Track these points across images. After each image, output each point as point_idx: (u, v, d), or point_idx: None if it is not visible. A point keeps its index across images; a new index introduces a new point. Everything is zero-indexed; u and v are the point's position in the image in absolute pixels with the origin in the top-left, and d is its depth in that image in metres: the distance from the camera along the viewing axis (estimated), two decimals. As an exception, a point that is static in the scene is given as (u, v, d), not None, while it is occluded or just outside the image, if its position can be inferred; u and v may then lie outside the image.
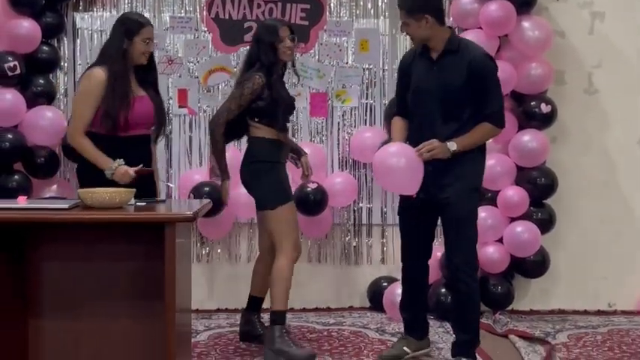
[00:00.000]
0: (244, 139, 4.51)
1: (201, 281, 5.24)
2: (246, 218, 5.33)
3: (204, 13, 5.32)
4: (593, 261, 5.42)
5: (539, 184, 5.16)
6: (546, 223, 5.19)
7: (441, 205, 3.93)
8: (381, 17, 5.39)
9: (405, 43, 5.35)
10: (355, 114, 5.41)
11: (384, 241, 5.45)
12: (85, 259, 3.62)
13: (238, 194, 5.09)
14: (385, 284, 5.28)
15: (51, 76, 5.21)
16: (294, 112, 4.62)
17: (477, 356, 4.10)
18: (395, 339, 4.65)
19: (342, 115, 5.41)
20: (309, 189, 4.98)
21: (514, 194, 5.11)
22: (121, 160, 3.81)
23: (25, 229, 3.58)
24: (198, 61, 5.34)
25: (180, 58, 5.30)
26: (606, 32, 5.39)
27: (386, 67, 5.40)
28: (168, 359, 3.30)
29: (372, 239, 5.46)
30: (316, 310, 5.35)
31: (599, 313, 5.38)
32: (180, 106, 5.30)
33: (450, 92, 3.87)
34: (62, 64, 5.27)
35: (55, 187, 5.11)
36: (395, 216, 5.04)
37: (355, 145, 5.31)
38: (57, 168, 5.15)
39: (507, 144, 5.18)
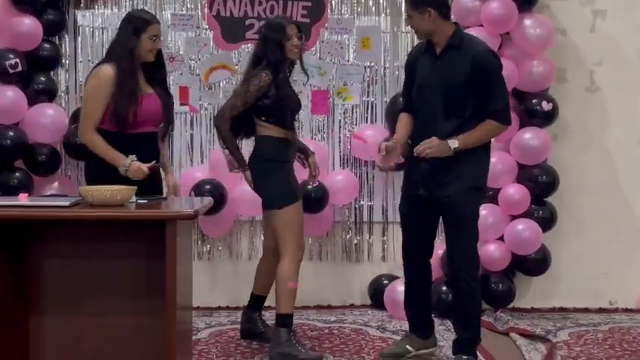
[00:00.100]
0: (245, 140, 4.50)
1: (202, 279, 5.24)
2: (247, 216, 5.33)
3: (206, 10, 5.32)
4: (594, 259, 5.42)
5: (540, 182, 5.17)
6: (547, 221, 5.19)
7: (442, 204, 3.92)
8: (383, 15, 5.39)
9: (406, 41, 5.35)
10: (356, 112, 5.41)
11: (385, 238, 5.45)
12: (86, 257, 3.62)
13: (239, 192, 5.10)
14: (386, 282, 5.28)
15: (52, 73, 5.21)
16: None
17: (478, 354, 4.10)
18: (396, 337, 4.66)
19: (344, 113, 5.41)
20: (309, 187, 4.97)
21: (515, 192, 5.11)
22: (134, 156, 3.81)
23: (26, 227, 3.58)
24: (199, 59, 5.33)
25: (181, 55, 5.30)
26: (608, 30, 5.38)
27: (387, 65, 5.39)
28: (169, 357, 3.30)
29: (373, 237, 5.46)
30: (317, 307, 5.35)
31: (600, 310, 5.38)
32: (181, 104, 5.29)
33: (452, 88, 3.85)
34: (63, 61, 5.27)
35: (56, 184, 5.11)
36: (396, 213, 5.04)
37: (356, 142, 5.30)
38: (58, 165, 5.15)
39: (509, 142, 5.18)
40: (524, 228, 5.08)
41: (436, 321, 4.26)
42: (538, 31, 5.09)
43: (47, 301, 3.63)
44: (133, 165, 3.80)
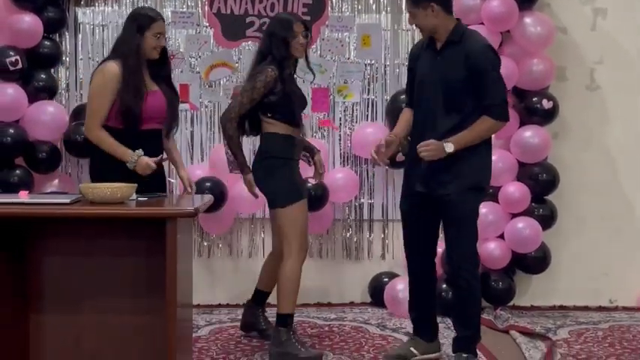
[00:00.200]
0: (245, 138, 4.48)
1: (203, 276, 5.24)
2: (247, 213, 5.33)
3: (206, 8, 5.32)
4: (594, 257, 5.42)
5: (540, 180, 5.17)
6: (547, 219, 5.20)
7: (441, 203, 3.90)
8: (383, 12, 5.39)
9: (407, 39, 5.35)
10: (357, 109, 5.41)
11: (385, 236, 5.45)
12: (86, 255, 3.62)
13: (239, 189, 5.10)
14: (386, 280, 5.28)
15: (52, 70, 5.22)
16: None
17: (478, 352, 4.10)
18: (396, 334, 4.67)
19: (344, 111, 5.41)
20: (309, 184, 4.97)
21: (515, 190, 5.12)
22: (140, 150, 3.83)
23: (26, 225, 3.58)
24: (199, 57, 5.33)
25: (181, 53, 5.30)
26: (608, 29, 5.38)
27: (388, 63, 5.39)
28: (170, 354, 3.30)
29: (373, 235, 5.47)
30: (317, 305, 5.35)
31: (600, 309, 5.38)
32: (181, 102, 5.26)
33: (452, 84, 3.83)
34: (64, 58, 5.27)
35: (56, 181, 5.11)
36: (396, 211, 5.05)
37: (357, 140, 5.30)
38: (58, 163, 5.15)
39: (509, 140, 5.19)
40: (525, 226, 5.09)
41: (437, 319, 4.25)
42: (538, 29, 5.09)
43: (47, 299, 3.63)
44: (141, 160, 3.81)
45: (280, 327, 4.15)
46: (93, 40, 5.30)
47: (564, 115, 5.28)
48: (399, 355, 4.13)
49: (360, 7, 5.38)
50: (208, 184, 4.99)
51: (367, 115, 5.40)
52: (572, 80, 5.39)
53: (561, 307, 5.40)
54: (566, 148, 5.36)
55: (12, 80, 4.98)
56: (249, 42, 5.32)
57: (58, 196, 3.80)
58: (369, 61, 5.39)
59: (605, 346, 4.51)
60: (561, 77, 5.35)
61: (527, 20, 5.08)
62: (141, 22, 3.93)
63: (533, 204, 5.16)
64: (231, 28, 5.32)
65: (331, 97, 5.38)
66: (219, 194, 4.92)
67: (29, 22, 4.97)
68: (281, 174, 4.16)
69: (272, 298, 4.47)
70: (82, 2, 5.30)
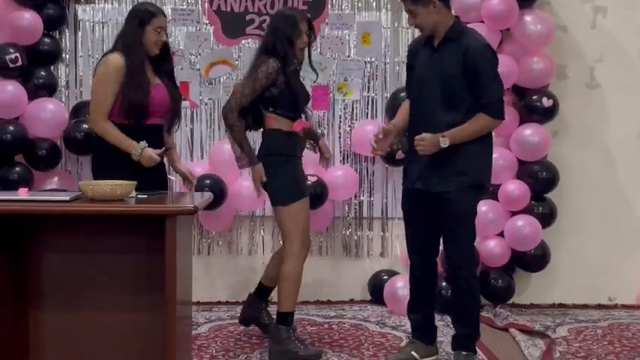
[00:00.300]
0: (248, 134, 4.46)
1: (202, 274, 5.25)
2: (247, 211, 5.33)
3: (206, 5, 5.31)
4: (594, 255, 5.42)
5: (540, 178, 5.17)
6: (547, 218, 5.20)
7: (440, 200, 3.89)
8: (383, 10, 5.39)
9: (406, 37, 5.35)
10: (357, 107, 5.41)
11: (385, 234, 5.45)
12: (85, 252, 3.62)
13: (239, 187, 5.10)
14: (386, 277, 5.29)
15: (52, 68, 5.21)
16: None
17: (477, 349, 4.10)
18: (395, 332, 4.67)
19: (344, 108, 5.41)
20: (309, 182, 4.97)
21: (515, 188, 5.12)
22: (144, 142, 3.84)
23: (26, 222, 3.58)
24: (199, 54, 5.33)
25: (181, 50, 5.30)
26: (608, 27, 5.38)
27: (388, 61, 5.39)
28: (169, 351, 3.30)
29: (372, 232, 5.47)
30: (317, 302, 5.36)
31: (599, 307, 5.38)
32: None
33: (449, 81, 3.82)
34: (64, 56, 5.27)
35: (56, 179, 5.11)
36: (395, 209, 5.05)
37: (357, 138, 5.30)
38: (58, 160, 5.15)
39: (509, 138, 5.19)
40: (524, 224, 5.09)
41: (436, 316, 4.25)
42: (538, 27, 5.09)
43: (47, 297, 3.63)
44: (145, 152, 3.83)
45: (280, 325, 4.15)
46: (93, 38, 5.30)
47: (564, 113, 5.28)
48: (401, 359, 4.11)
49: (360, 5, 5.38)
50: (208, 181, 5.00)
51: (367, 113, 5.40)
52: (572, 78, 5.39)
53: (560, 305, 5.41)
54: (565, 146, 5.36)
55: (12, 77, 4.98)
56: (249, 39, 5.32)
57: (57, 194, 3.79)
58: (369, 59, 5.39)
59: (604, 344, 4.51)
60: (561, 75, 5.35)
61: (528, 18, 5.07)
62: (141, 16, 3.93)
63: (532, 202, 5.16)
64: (231, 25, 5.32)
65: (331, 94, 5.38)
66: (218, 192, 4.93)
67: (29, 19, 4.97)
68: (283, 171, 4.13)
69: (273, 295, 4.47)
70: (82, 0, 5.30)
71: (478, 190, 3.95)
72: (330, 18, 5.34)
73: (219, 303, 5.31)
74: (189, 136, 5.35)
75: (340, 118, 5.40)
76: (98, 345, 3.64)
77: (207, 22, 5.34)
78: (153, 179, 3.85)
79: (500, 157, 5.11)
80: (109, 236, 3.59)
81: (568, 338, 4.63)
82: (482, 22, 5.09)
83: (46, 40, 5.10)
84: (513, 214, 5.17)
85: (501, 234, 5.16)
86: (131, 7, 4.15)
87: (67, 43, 5.29)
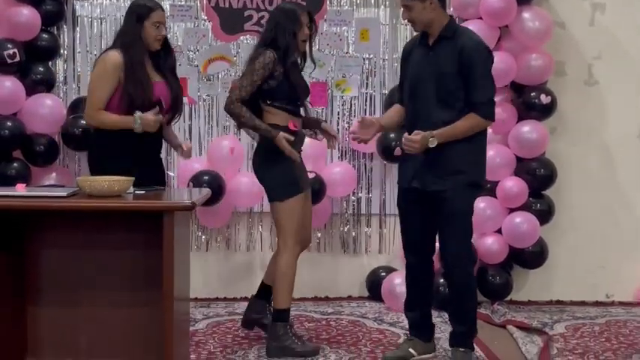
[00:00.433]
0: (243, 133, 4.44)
1: (200, 270, 5.24)
2: (245, 207, 5.33)
3: (204, 1, 5.31)
4: (592, 252, 5.43)
5: (538, 175, 5.17)
6: (545, 214, 5.20)
7: (437, 199, 3.88)
8: (382, 7, 5.38)
9: (405, 33, 5.35)
10: (355, 104, 5.41)
11: (383, 231, 5.46)
12: (83, 248, 3.62)
13: (237, 183, 5.10)
14: (384, 274, 5.29)
15: (50, 63, 5.21)
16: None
17: (475, 346, 4.11)
18: (393, 328, 4.68)
19: (342, 105, 5.41)
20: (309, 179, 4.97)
21: (513, 185, 5.12)
22: (139, 112, 3.83)
23: (24, 218, 3.58)
24: (197, 50, 5.33)
25: (179, 46, 5.29)
26: (607, 24, 5.38)
27: (386, 57, 5.39)
28: (167, 347, 3.31)
29: (370, 229, 5.47)
30: (315, 299, 5.36)
31: (596, 304, 5.39)
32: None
33: (444, 79, 3.82)
34: (62, 51, 5.26)
35: (54, 175, 5.11)
36: (393, 206, 5.04)
37: (355, 134, 5.29)
38: (56, 156, 5.15)
39: (507, 135, 5.19)
40: (522, 221, 5.09)
41: (433, 313, 4.25)
42: (537, 24, 5.08)
43: (45, 292, 3.63)
44: (144, 119, 3.83)
45: (277, 321, 4.15)
46: (91, 33, 5.29)
47: (562, 110, 5.28)
48: (399, 357, 4.10)
49: (358, 2, 5.37)
50: (206, 177, 4.99)
51: (365, 110, 5.40)
52: (570, 75, 5.39)
53: (558, 302, 5.41)
54: (564, 143, 5.36)
55: (10, 73, 4.97)
56: (248, 35, 5.31)
57: (55, 189, 3.79)
58: (367, 56, 5.39)
59: (601, 341, 4.52)
60: (559, 72, 5.35)
61: (526, 15, 5.07)
62: (139, 12, 3.93)
63: (530, 199, 5.16)
64: (230, 21, 5.32)
65: (329, 91, 5.38)
66: (216, 188, 4.92)
67: (27, 14, 4.96)
68: (280, 167, 4.11)
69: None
70: (81, -5, 5.30)
71: (474, 188, 3.94)
72: (328, 14, 5.33)
73: (217, 299, 5.31)
74: (188, 132, 5.34)
75: (338, 114, 5.40)
76: (96, 341, 3.64)
77: (206, 18, 5.33)
78: (150, 174, 3.84)
79: (498, 154, 5.11)
80: (106, 232, 3.59)
81: (565, 335, 4.63)
82: (480, 18, 5.08)
83: (44, 35, 5.09)
84: (511, 210, 5.17)
85: (499, 231, 5.16)
86: (129, 3, 4.14)
87: (65, 39, 5.28)
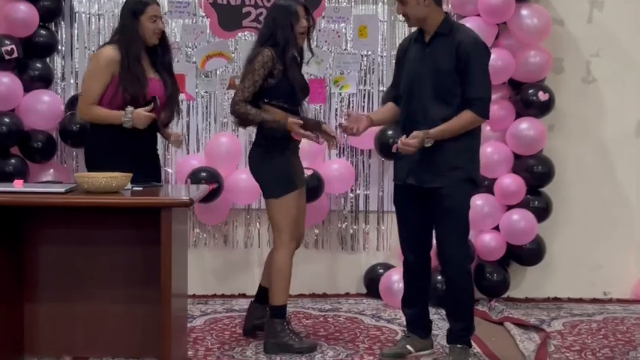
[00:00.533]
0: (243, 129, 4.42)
1: (198, 267, 5.24)
2: (243, 204, 5.33)
3: (203, -2, 5.31)
4: (589, 249, 5.43)
5: (536, 173, 5.17)
6: (543, 212, 5.20)
7: (433, 195, 3.87)
8: (380, 3, 5.37)
9: (403, 30, 5.34)
10: (353, 100, 5.40)
11: (381, 227, 5.46)
12: (81, 244, 3.63)
13: (235, 179, 5.10)
14: (381, 271, 5.29)
15: (48, 60, 5.20)
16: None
17: (472, 343, 4.11)
18: (391, 325, 4.68)
19: (340, 102, 5.40)
20: (305, 176, 4.96)
21: (511, 182, 5.12)
22: (130, 107, 3.83)
23: (21, 214, 3.58)
24: (196, 46, 5.32)
25: (177, 43, 5.28)
26: (605, 21, 5.38)
27: (384, 54, 5.38)
28: (165, 344, 3.31)
29: (368, 226, 5.47)
30: (312, 295, 5.36)
31: (594, 301, 5.39)
32: (177, 92, 5.27)
33: (441, 75, 3.81)
34: (60, 48, 5.25)
35: (51, 171, 5.11)
36: (391, 203, 5.04)
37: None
38: (54, 152, 5.14)
39: (505, 132, 5.19)
40: (520, 218, 5.09)
41: (431, 310, 4.26)
42: (535, 21, 5.08)
43: (42, 288, 3.64)
44: (135, 114, 3.82)
45: (274, 318, 4.15)
46: (89, 30, 5.28)
47: (560, 107, 5.28)
48: (396, 353, 4.11)
49: (356, -2, 5.38)
50: (204, 174, 4.99)
51: (363, 106, 5.40)
52: (568, 73, 5.40)
53: (555, 299, 5.41)
54: (561, 140, 5.37)
55: (7, 69, 4.96)
56: (246, 32, 5.31)
57: (53, 186, 3.80)
58: (365, 52, 5.38)
59: (598, 338, 4.52)
60: (557, 69, 5.35)
61: (524, 12, 5.07)
62: (135, 8, 3.94)
63: (528, 196, 5.17)
64: (228, 18, 5.31)
65: (327, 88, 5.37)
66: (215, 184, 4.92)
67: (25, 11, 4.95)
68: (276, 164, 4.11)
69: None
70: (78, -9, 5.29)
71: (470, 184, 3.94)
72: (326, 11, 5.33)
73: (214, 296, 5.31)
74: (186, 129, 5.33)
75: (336, 111, 5.39)
76: (94, 337, 3.64)
77: (204, 14, 5.32)
78: (146, 171, 3.83)
79: (496, 151, 5.11)
80: (104, 228, 3.60)
81: (563, 332, 4.64)
82: (478, 15, 5.08)
83: (42, 32, 5.09)
84: (509, 208, 5.18)
85: (497, 228, 5.16)
86: None
87: (63, 35, 5.27)
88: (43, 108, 5.01)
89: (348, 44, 5.37)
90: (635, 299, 5.40)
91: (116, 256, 3.62)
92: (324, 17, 5.32)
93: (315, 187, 5.03)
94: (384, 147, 5.14)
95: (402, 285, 4.26)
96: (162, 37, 4.01)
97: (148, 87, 3.88)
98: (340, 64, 5.36)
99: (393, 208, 4.18)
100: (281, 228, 4.12)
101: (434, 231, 4.02)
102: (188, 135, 5.33)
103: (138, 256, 3.59)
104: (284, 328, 4.14)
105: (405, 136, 3.81)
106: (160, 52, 4.02)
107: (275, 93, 4.08)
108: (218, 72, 5.33)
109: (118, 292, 3.64)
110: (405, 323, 4.28)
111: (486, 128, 5.07)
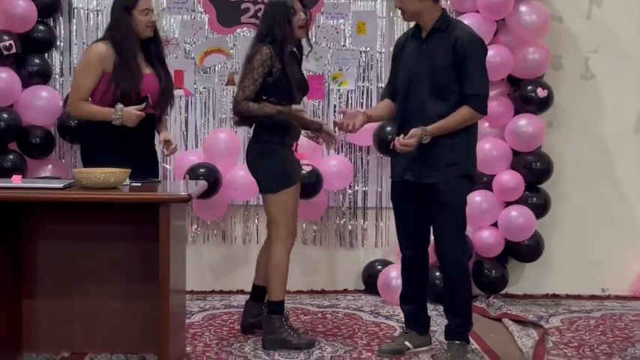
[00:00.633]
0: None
1: (196, 263, 5.24)
2: (241, 200, 5.33)
3: (201, -7, 5.30)
4: (588, 246, 5.43)
5: (534, 169, 5.17)
6: (541, 208, 5.21)
7: (430, 191, 3.87)
8: (379, 0, 5.37)
9: (402, 26, 5.33)
10: (352, 97, 5.40)
11: (379, 224, 5.45)
12: (79, 240, 3.62)
13: (233, 175, 5.10)
14: (380, 267, 5.29)
15: (47, 55, 5.19)
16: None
17: (471, 339, 4.11)
18: (389, 322, 4.68)
19: (339, 98, 5.40)
20: (303, 171, 4.96)
21: (510, 179, 5.12)
22: (120, 104, 3.82)
23: (19, 210, 3.57)
24: (194, 42, 5.32)
25: (176, 39, 5.28)
26: (604, 18, 5.38)
27: (383, 50, 5.38)
28: (163, 340, 3.31)
29: (367, 222, 5.47)
30: (311, 292, 5.36)
31: (592, 297, 5.39)
32: (176, 88, 5.26)
33: (438, 71, 3.81)
34: (58, 43, 5.24)
35: (50, 167, 5.10)
36: (389, 199, 5.04)
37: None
38: (52, 148, 5.14)
39: (503, 128, 5.19)
40: (518, 214, 5.09)
41: (429, 306, 4.26)
42: (534, 17, 5.08)
43: (40, 284, 3.64)
44: (125, 112, 3.81)
45: (272, 314, 4.15)
46: (87, 25, 5.28)
47: (559, 103, 5.28)
48: (395, 349, 4.10)
49: (355, -6, 5.37)
50: (202, 170, 4.99)
51: (362, 103, 5.39)
52: (567, 69, 5.39)
53: (554, 296, 5.42)
54: (560, 136, 5.37)
55: (6, 65, 4.96)
56: (244, 28, 5.30)
57: (51, 181, 3.79)
58: (364, 49, 5.38)
59: (597, 335, 4.52)
60: (556, 66, 5.35)
61: (523, 9, 5.07)
62: (126, 2, 3.93)
63: (526, 192, 5.17)
64: (226, 14, 5.30)
65: (326, 84, 5.37)
66: (213, 180, 4.92)
67: (23, 6, 4.94)
68: (273, 160, 4.11)
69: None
70: (77, -13, 5.28)
71: (467, 180, 3.94)
72: (325, 7, 5.32)
73: (212, 292, 5.31)
74: (184, 125, 5.33)
75: (335, 107, 5.39)
76: (92, 333, 3.64)
77: (202, 10, 5.32)
78: (142, 167, 3.82)
79: (495, 148, 5.12)
80: (102, 224, 3.59)
81: (561, 328, 4.64)
82: (477, 12, 5.08)
83: (41, 27, 5.08)
84: (507, 204, 5.18)
85: (495, 224, 5.17)
86: None
87: (62, 31, 5.26)
88: (42, 104, 5.00)
89: (347, 40, 5.37)
90: (633, 296, 5.40)
91: (114, 252, 3.62)
92: (322, 13, 5.32)
93: (313, 184, 5.03)
94: (382, 143, 5.14)
95: (400, 281, 4.26)
96: (155, 30, 4.01)
97: (142, 83, 3.87)
98: (339, 60, 5.36)
99: (392, 205, 4.18)
100: (278, 223, 4.12)
101: (431, 227, 4.02)
102: (187, 131, 5.33)
103: (136, 252, 3.59)
104: (282, 324, 4.14)
105: (402, 135, 3.81)
106: (154, 46, 4.02)
107: (273, 91, 4.08)
108: (217, 68, 5.33)
109: (116, 287, 3.64)
110: (403, 319, 4.28)
111: (485, 124, 5.08)
